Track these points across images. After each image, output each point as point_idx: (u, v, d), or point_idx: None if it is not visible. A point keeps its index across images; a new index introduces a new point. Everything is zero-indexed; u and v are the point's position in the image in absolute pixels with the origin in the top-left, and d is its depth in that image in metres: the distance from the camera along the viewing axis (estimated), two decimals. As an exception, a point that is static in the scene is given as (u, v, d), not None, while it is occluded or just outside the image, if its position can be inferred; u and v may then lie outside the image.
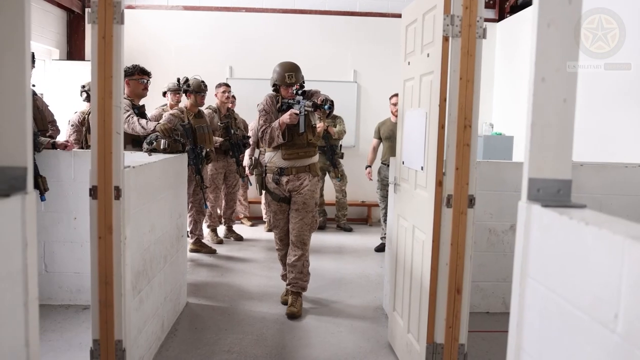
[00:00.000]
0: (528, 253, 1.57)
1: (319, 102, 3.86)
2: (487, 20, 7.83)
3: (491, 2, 8.02)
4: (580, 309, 1.25)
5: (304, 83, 4.17)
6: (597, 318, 1.18)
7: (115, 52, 2.55)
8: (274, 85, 4.20)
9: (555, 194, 1.58)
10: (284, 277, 4.48)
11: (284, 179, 4.15)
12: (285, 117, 3.98)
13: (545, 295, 1.42)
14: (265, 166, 4.26)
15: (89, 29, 2.59)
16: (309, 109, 3.90)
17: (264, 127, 4.10)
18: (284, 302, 4.36)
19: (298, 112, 3.98)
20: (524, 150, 1.62)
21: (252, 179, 6.10)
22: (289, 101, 4.10)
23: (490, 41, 7.91)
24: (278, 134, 4.00)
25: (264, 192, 4.37)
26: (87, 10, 2.55)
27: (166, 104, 5.91)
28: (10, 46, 1.44)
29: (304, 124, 4.00)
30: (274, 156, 4.18)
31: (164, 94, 5.96)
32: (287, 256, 4.28)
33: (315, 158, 4.24)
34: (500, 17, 7.94)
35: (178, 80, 5.79)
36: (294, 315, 4.08)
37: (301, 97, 4.03)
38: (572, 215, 1.35)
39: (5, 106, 1.46)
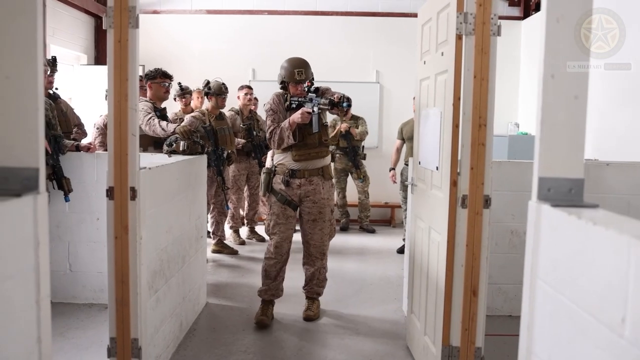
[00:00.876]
0: (538, 254, 1.54)
1: (336, 100, 3.62)
2: (511, 18, 7.76)
3: (516, 0, 7.91)
4: (588, 312, 1.22)
5: (313, 80, 3.92)
6: (604, 321, 1.15)
7: (130, 55, 2.58)
8: (282, 82, 3.94)
9: (566, 194, 1.55)
10: (262, 292, 4.03)
11: (296, 182, 3.87)
12: (296, 116, 3.71)
13: (554, 298, 1.40)
14: (275, 167, 3.95)
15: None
16: (325, 107, 3.66)
17: (272, 128, 3.81)
18: (259, 323, 3.88)
19: (311, 110, 3.71)
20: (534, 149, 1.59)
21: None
22: (299, 99, 3.84)
23: (515, 39, 7.81)
24: (288, 134, 3.72)
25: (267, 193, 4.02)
26: (103, 16, 2.59)
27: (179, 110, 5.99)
28: (23, 50, 1.47)
29: (317, 123, 3.75)
30: (284, 158, 3.90)
31: (175, 99, 6.02)
32: (304, 266, 4.11)
33: (328, 159, 4.01)
34: (526, 14, 7.82)
35: (179, 84, 5.87)
36: (311, 319, 4.01)
37: (314, 95, 3.75)
38: (581, 215, 1.32)
39: (18, 109, 1.49)
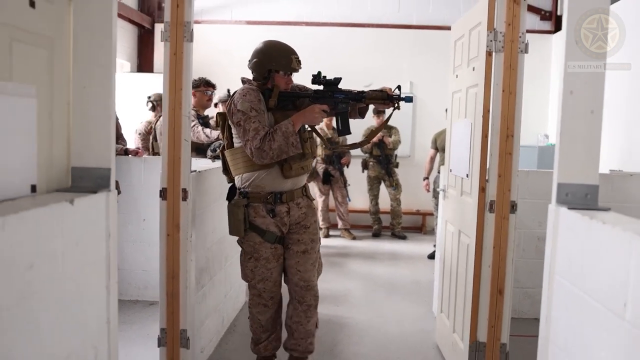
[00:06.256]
0: (556, 252, 1.71)
1: (389, 91, 2.91)
2: (542, 32, 7.85)
3: (547, 14, 7.99)
4: (597, 300, 1.39)
5: None
6: (610, 307, 1.32)
7: (185, 67, 2.80)
8: (267, 71, 2.91)
9: (583, 198, 1.72)
10: (263, 348, 3.20)
11: (283, 208, 2.94)
12: (306, 115, 2.80)
13: (570, 291, 1.56)
14: (247, 193, 2.93)
15: (157, 43, 2.84)
16: (380, 101, 2.90)
17: (262, 134, 2.75)
18: None
19: (327, 107, 2.86)
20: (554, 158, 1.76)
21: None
22: (301, 95, 2.95)
23: (546, 53, 7.91)
24: (293, 141, 2.73)
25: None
26: (156, 25, 2.82)
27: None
28: (100, 63, 1.70)
29: (346, 125, 2.95)
30: (263, 177, 2.90)
31: (216, 105, 6.19)
32: (290, 318, 3.10)
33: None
34: (557, 28, 7.89)
35: (228, 90, 6.04)
36: None
37: (335, 87, 2.92)
38: (593, 216, 1.49)
39: (93, 116, 1.71)
